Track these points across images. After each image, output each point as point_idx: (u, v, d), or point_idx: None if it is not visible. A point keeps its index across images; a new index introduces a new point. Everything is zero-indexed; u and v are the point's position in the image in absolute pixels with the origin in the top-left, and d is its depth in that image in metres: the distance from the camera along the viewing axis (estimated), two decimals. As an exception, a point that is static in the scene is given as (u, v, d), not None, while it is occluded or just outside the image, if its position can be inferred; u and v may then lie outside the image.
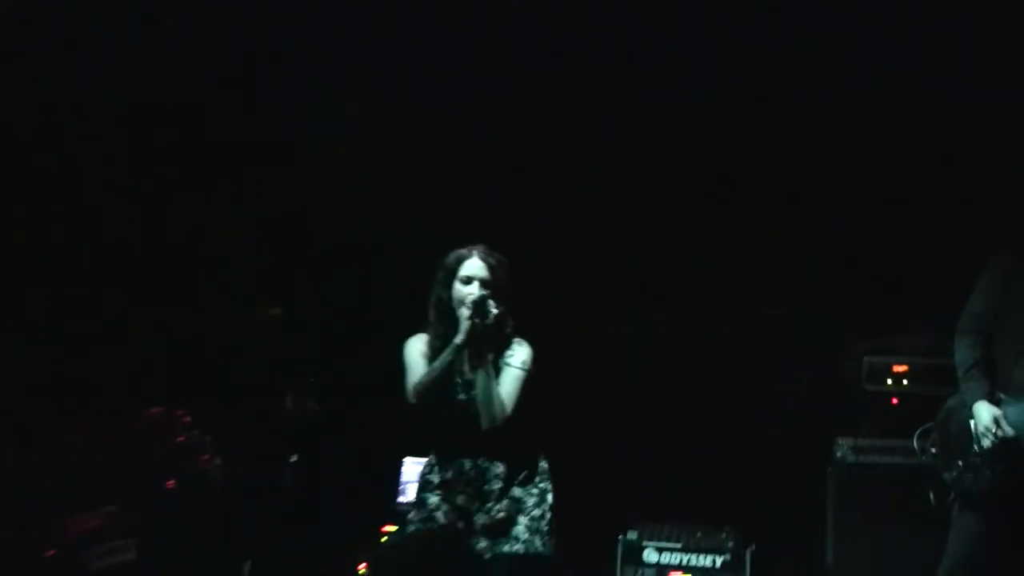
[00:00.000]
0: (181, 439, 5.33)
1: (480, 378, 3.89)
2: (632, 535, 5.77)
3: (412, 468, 5.65)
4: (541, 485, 4.01)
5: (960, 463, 4.16)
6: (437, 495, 3.98)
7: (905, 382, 5.72)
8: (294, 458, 5.56)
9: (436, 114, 5.66)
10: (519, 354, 4.00)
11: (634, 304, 6.23)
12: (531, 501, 3.96)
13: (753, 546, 5.72)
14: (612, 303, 6.20)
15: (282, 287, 5.84)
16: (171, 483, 5.26)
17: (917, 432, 5.03)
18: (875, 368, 5.77)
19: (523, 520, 3.91)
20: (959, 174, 5.47)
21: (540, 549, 3.89)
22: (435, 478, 4.03)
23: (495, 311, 3.88)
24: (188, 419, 5.34)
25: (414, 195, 5.92)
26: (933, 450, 4.42)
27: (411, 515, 4.04)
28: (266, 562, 5.49)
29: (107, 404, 5.36)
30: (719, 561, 5.67)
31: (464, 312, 3.90)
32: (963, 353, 4.23)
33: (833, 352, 6.02)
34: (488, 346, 3.92)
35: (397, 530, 5.53)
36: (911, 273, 5.78)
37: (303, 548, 5.56)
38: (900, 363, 5.73)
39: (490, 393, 3.89)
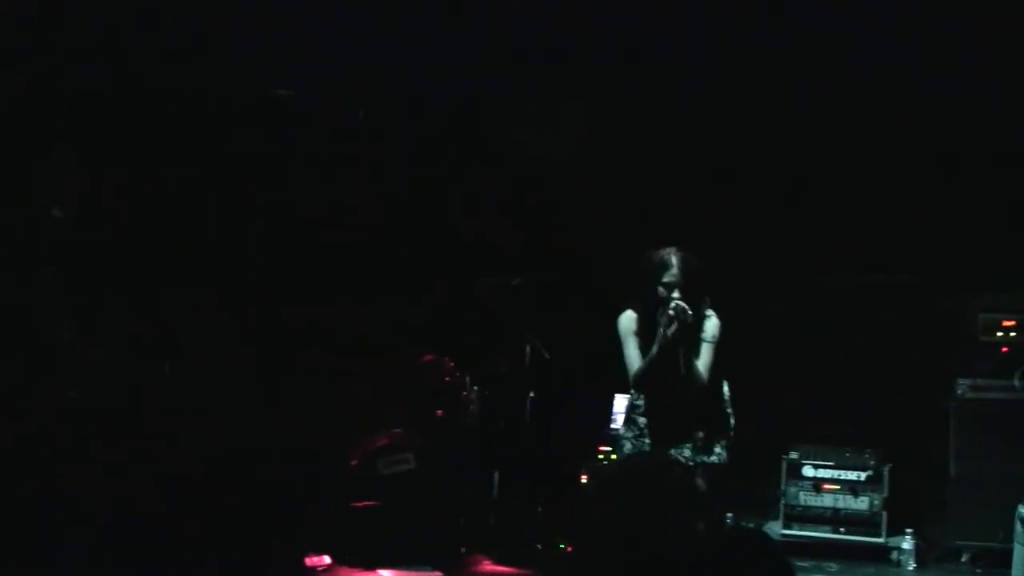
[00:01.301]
0: (448, 380, 6.47)
1: (682, 358, 4.40)
2: (793, 454, 6.75)
3: (621, 402, 6.25)
4: (727, 411, 4.70)
5: None
6: (645, 418, 4.64)
7: (1013, 334, 6.58)
8: (532, 394, 6.63)
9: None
10: (710, 328, 4.50)
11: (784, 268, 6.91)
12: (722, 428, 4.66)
13: (890, 464, 6.66)
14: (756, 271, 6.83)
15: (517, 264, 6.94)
16: (440, 412, 6.41)
17: (1018, 372, 6.30)
18: (988, 323, 6.63)
19: (719, 440, 4.65)
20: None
21: (727, 461, 4.68)
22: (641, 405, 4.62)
23: (689, 319, 4.32)
24: (452, 364, 6.53)
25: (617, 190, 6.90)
26: None
27: (622, 431, 4.72)
28: (511, 474, 6.56)
29: (395, 352, 6.58)
30: (863, 476, 6.66)
31: (663, 321, 4.37)
32: None
33: (953, 311, 6.78)
34: (685, 337, 4.40)
35: (611, 450, 6.62)
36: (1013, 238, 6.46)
37: (538, 464, 6.60)
38: (1009, 319, 6.59)
39: (691, 370, 4.43)
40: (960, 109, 6.15)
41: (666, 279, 4.40)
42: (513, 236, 6.96)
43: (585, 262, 7.06)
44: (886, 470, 6.71)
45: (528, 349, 6.62)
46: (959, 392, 6.59)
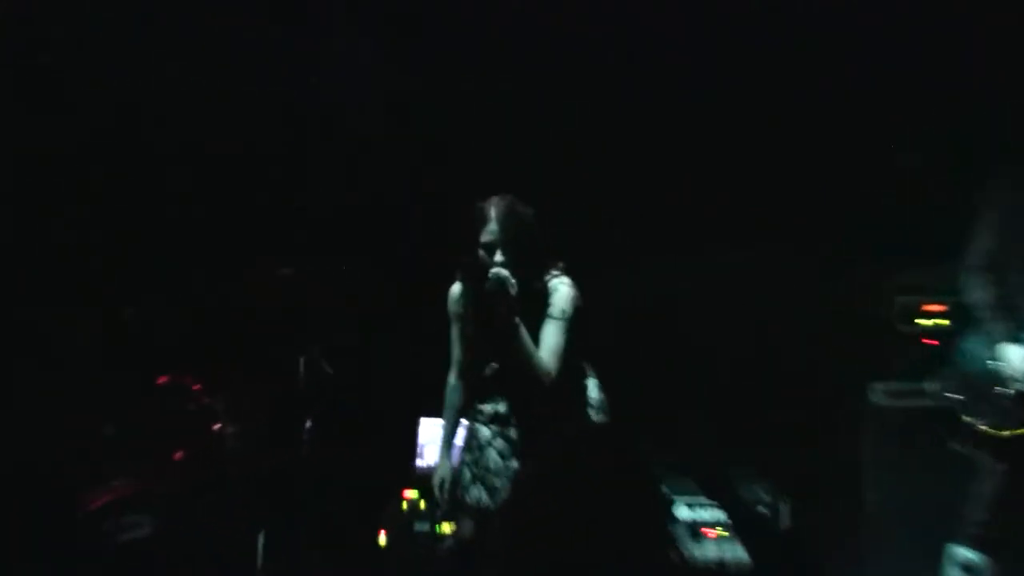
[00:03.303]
0: (191, 409, 5.25)
1: (516, 342, 3.70)
2: (663, 489, 5.50)
3: (431, 429, 5.47)
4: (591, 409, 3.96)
5: (985, 407, 4.13)
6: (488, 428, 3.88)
7: (939, 322, 5.50)
8: (309, 424, 5.33)
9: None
10: (558, 301, 3.80)
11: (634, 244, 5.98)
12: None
13: (789, 497, 5.57)
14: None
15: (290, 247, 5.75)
16: (179, 455, 5.18)
17: (932, 377, 4.83)
18: (907, 308, 5.56)
19: None
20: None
21: None
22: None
23: (511, 289, 3.69)
24: (198, 387, 5.27)
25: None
26: (953, 395, 4.36)
27: (464, 454, 3.96)
28: (281, 532, 5.35)
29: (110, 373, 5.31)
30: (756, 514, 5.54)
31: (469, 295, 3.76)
32: (978, 293, 4.15)
33: (856, 292, 5.74)
34: (506, 313, 3.73)
35: (419, 495, 5.41)
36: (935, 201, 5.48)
37: (319, 517, 5.44)
38: (933, 301, 5.52)
39: (527, 357, 3.71)
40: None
41: (484, 238, 3.72)
42: (281, 207, 5.81)
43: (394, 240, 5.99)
44: (784, 506, 5.54)
45: (303, 362, 5.37)
46: (872, 399, 5.47)
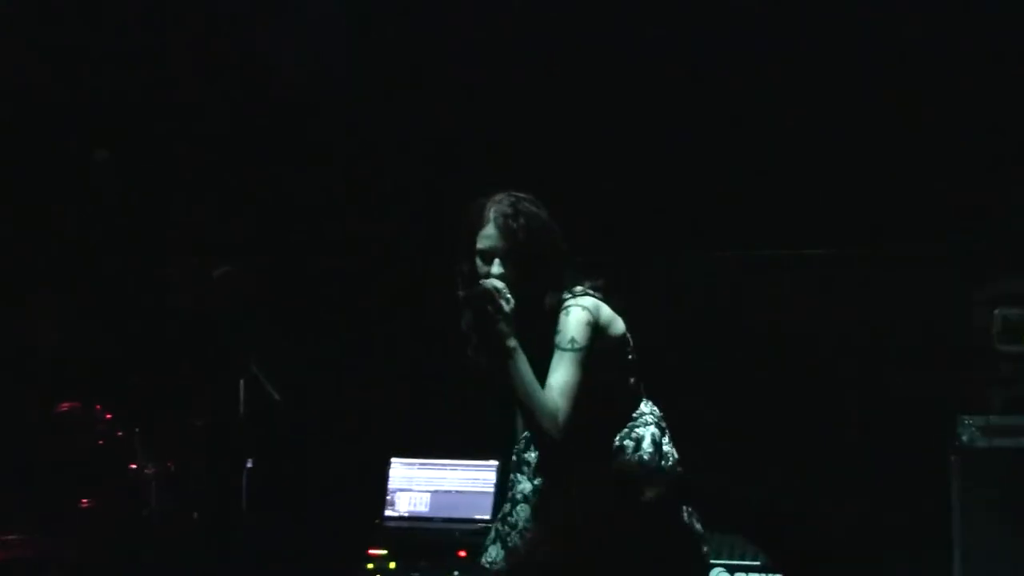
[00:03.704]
0: (100, 443, 4.88)
1: (511, 374, 3.29)
2: None
3: (402, 472, 4.94)
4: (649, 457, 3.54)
5: None
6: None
7: None
8: (250, 464, 4.92)
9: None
10: (568, 328, 3.38)
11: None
12: None
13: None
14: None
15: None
16: (85, 502, 4.79)
17: None
18: (1011, 322, 5.09)
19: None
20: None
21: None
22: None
23: (503, 307, 3.28)
24: (110, 416, 4.93)
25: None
26: None
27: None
28: None
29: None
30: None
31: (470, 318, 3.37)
32: None
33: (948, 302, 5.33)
34: (497, 336, 3.34)
35: (387, 552, 4.79)
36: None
37: None
38: None
39: (528, 396, 3.32)
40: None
41: (479, 244, 3.42)
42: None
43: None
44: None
45: (242, 385, 4.90)
46: (964, 437, 4.94)
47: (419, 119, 5.57)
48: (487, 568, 3.59)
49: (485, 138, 5.49)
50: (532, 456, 3.64)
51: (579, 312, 3.41)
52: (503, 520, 3.63)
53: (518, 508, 3.60)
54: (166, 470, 4.96)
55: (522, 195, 3.49)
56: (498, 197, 3.46)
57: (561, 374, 3.36)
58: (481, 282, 3.33)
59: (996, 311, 5.15)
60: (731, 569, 5.02)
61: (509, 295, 3.29)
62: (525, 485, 3.63)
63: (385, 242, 5.51)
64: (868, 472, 5.38)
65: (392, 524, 4.94)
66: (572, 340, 3.35)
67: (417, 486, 4.93)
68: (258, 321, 5.10)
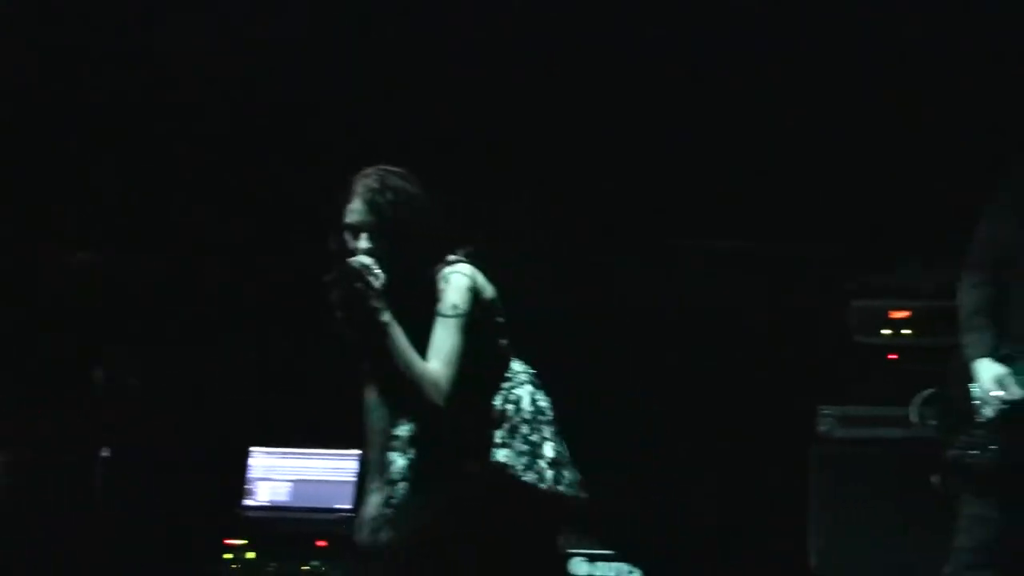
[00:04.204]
0: None
1: (387, 349, 3.30)
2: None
3: (263, 461, 4.88)
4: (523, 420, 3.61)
5: (964, 437, 3.85)
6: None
7: (905, 331, 5.29)
8: (105, 453, 4.90)
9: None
10: (450, 294, 3.44)
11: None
12: None
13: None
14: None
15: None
16: None
17: (918, 398, 4.93)
18: (868, 315, 5.30)
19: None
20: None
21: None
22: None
23: (370, 283, 3.29)
24: None
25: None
26: (934, 421, 4.30)
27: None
28: None
29: None
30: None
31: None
32: (967, 294, 3.91)
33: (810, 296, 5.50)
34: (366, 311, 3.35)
35: (247, 542, 4.72)
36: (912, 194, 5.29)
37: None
38: (900, 307, 5.31)
39: (408, 366, 3.35)
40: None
41: (347, 219, 3.42)
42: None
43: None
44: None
45: (100, 373, 4.90)
46: (823, 428, 5.13)
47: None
48: (380, 549, 3.57)
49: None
50: (404, 430, 3.63)
51: (459, 278, 3.44)
52: (387, 504, 3.62)
53: (398, 487, 3.61)
54: (13, 460, 4.82)
55: (392, 168, 3.46)
56: (367, 171, 3.46)
57: (444, 340, 3.39)
58: (348, 260, 3.30)
59: (853, 303, 5.31)
60: (591, 558, 5.04)
61: (378, 270, 3.28)
62: (400, 462, 3.64)
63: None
64: (728, 467, 5.45)
65: (251, 514, 4.86)
66: (454, 306, 3.39)
67: (278, 475, 4.87)
68: (116, 309, 5.02)
